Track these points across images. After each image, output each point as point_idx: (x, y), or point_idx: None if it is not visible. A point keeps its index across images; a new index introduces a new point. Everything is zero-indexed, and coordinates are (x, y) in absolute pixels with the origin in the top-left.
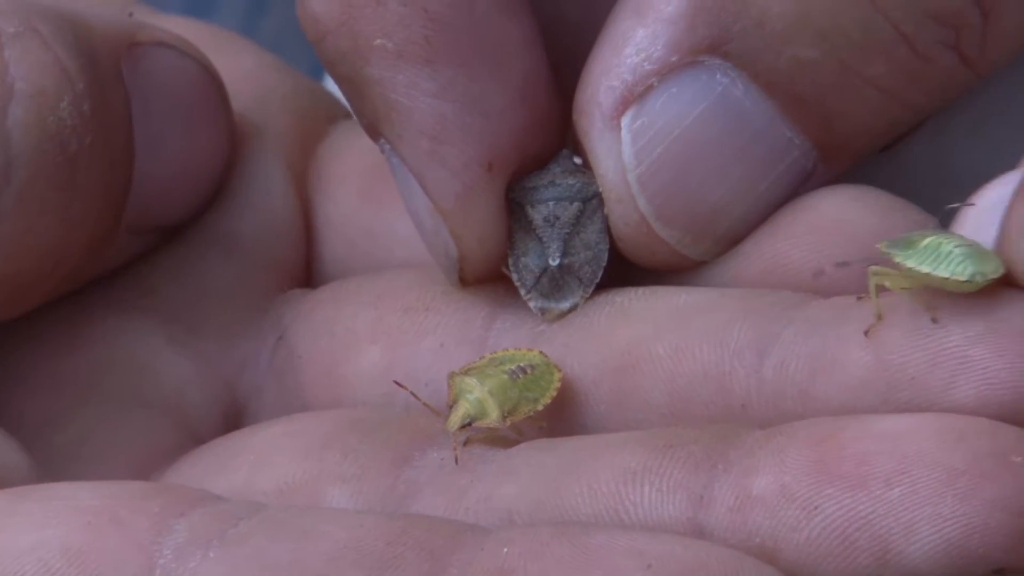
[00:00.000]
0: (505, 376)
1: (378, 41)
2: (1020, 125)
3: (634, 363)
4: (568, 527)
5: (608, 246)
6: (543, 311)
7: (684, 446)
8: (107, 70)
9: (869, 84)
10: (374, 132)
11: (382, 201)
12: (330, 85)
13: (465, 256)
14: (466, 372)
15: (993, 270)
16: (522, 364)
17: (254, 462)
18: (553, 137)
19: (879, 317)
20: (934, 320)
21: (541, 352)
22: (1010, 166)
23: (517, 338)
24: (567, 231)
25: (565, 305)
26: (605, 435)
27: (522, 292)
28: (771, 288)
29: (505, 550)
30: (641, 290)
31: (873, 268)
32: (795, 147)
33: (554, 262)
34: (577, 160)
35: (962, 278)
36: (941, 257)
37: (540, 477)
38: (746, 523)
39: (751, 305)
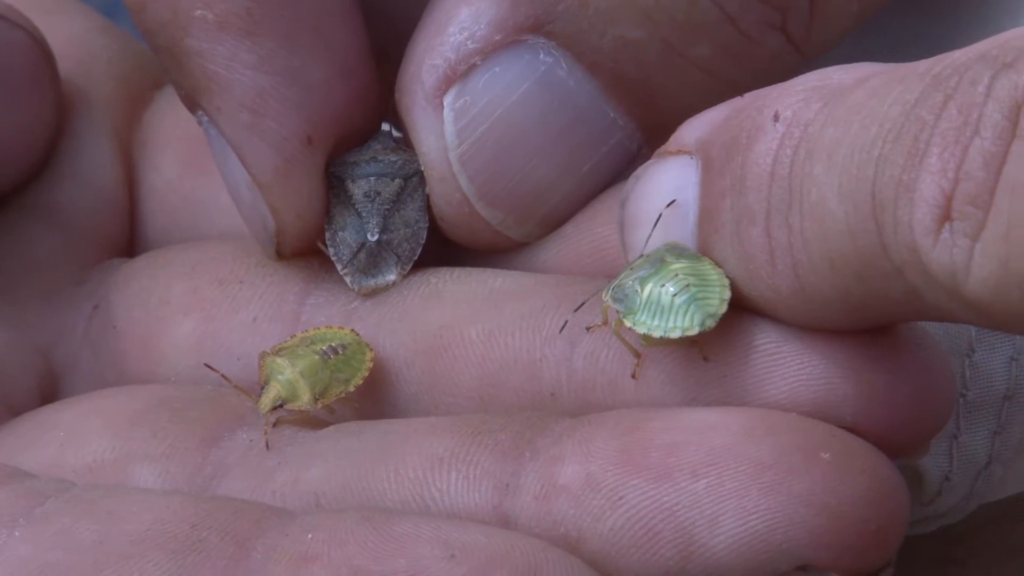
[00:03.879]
0: (316, 357)
1: (199, 12)
2: None
3: (446, 346)
4: (373, 513)
5: (427, 224)
6: (359, 286)
7: (492, 433)
8: None
9: (694, 65)
10: (192, 103)
11: (204, 169)
12: None
13: (283, 230)
14: (277, 352)
15: (718, 305)
16: (334, 344)
17: (64, 438)
18: (372, 114)
19: (638, 355)
20: (706, 359)
21: (353, 331)
22: None
23: (330, 314)
24: (387, 207)
25: (382, 281)
26: (414, 420)
27: (339, 267)
28: (589, 273)
29: (310, 536)
30: (456, 271)
31: (617, 328)
32: (619, 128)
33: (373, 237)
34: (397, 136)
35: (693, 332)
36: (666, 311)
37: (348, 461)
38: (551, 512)
39: (565, 292)
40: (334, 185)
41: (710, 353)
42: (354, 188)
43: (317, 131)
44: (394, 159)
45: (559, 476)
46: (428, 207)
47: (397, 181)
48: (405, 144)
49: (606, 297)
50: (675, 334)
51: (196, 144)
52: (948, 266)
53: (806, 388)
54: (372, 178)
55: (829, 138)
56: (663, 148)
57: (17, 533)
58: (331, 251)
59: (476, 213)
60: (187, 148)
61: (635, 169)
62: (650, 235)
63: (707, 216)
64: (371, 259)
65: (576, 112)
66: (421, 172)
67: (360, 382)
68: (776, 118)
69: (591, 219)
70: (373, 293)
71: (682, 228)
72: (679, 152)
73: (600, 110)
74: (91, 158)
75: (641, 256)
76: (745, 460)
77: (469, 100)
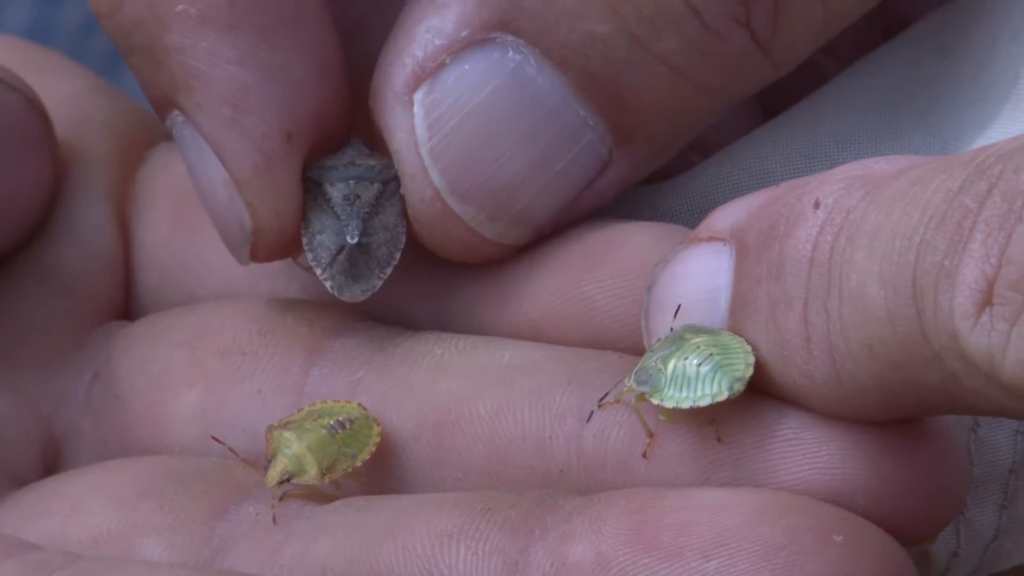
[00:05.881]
0: (324, 431)
1: (180, 7)
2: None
3: (454, 420)
4: None
5: (405, 231)
6: (341, 292)
7: (501, 510)
8: None
9: (661, 61)
10: (167, 104)
11: (193, 228)
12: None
13: (259, 228)
14: (284, 426)
15: (744, 369)
16: (341, 418)
17: (69, 509)
18: (345, 120)
19: (651, 435)
20: (719, 440)
21: (360, 405)
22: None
23: (335, 385)
24: (367, 211)
25: (366, 287)
26: (422, 495)
27: (318, 271)
28: (579, 333)
29: None
30: (461, 342)
31: (636, 405)
32: (589, 128)
33: (352, 240)
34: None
35: (723, 398)
36: (692, 382)
37: (355, 536)
38: None
39: (575, 370)
40: (311, 189)
41: (725, 435)
42: (332, 191)
43: (297, 128)
44: (372, 164)
45: (569, 554)
46: (405, 213)
47: (376, 185)
48: (377, 153)
49: (630, 382)
50: (704, 402)
51: (185, 202)
52: (985, 349)
53: (820, 476)
54: (351, 181)
55: (871, 224)
56: (694, 234)
57: None
58: (309, 255)
59: (448, 209)
60: (177, 206)
61: (607, 177)
62: (673, 322)
63: (740, 302)
64: (351, 262)
65: (546, 110)
66: (398, 178)
67: (367, 457)
68: (817, 205)
69: (577, 277)
70: (353, 299)
71: (713, 314)
72: (711, 239)
73: (570, 108)
74: (88, 219)
75: (658, 340)
76: (757, 541)
77: (439, 96)
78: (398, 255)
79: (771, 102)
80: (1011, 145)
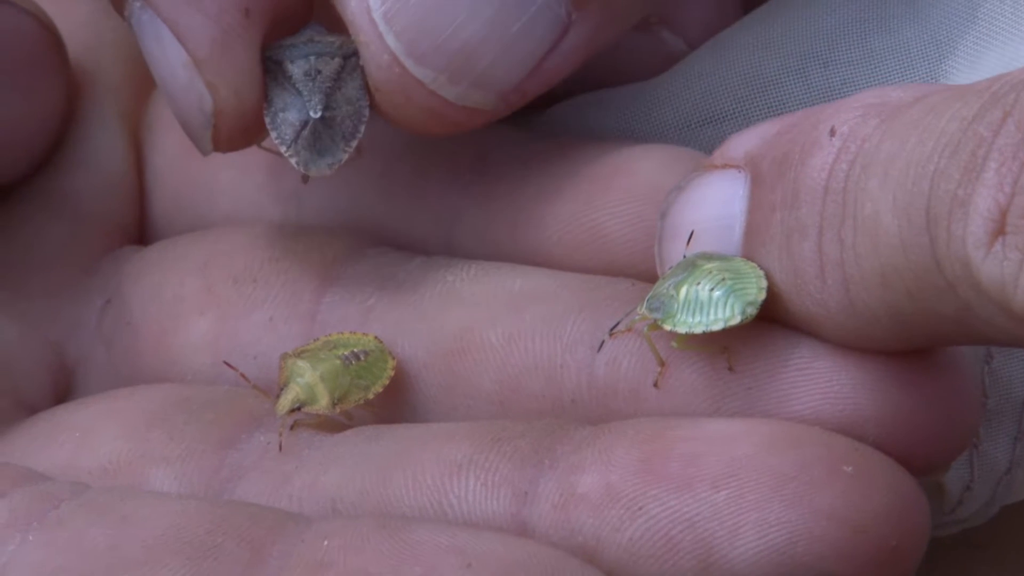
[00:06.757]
0: (338, 362)
1: None
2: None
3: (466, 348)
4: (390, 520)
5: (368, 103)
6: (307, 167)
7: (511, 440)
8: None
9: None
10: None
11: None
12: None
13: (221, 109)
14: (299, 355)
15: (756, 293)
16: (356, 350)
17: (79, 439)
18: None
19: (662, 364)
20: (731, 369)
21: (376, 338)
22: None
23: (346, 313)
24: (328, 85)
25: (331, 161)
26: (432, 425)
27: (283, 148)
28: (591, 261)
29: (325, 542)
30: (473, 269)
31: (648, 333)
32: None
33: (316, 114)
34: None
35: (736, 322)
36: (705, 307)
37: (366, 466)
38: (569, 521)
39: (587, 298)
40: (271, 69)
41: (737, 364)
42: (293, 68)
43: (254, 3)
44: (332, 39)
45: (578, 485)
46: (368, 87)
47: (337, 60)
48: (339, 34)
49: (642, 310)
50: (717, 327)
51: None
52: (998, 278)
53: (831, 405)
54: (312, 57)
55: (885, 152)
56: (708, 161)
57: (31, 537)
58: (273, 134)
59: (407, 73)
60: None
61: (568, 43)
62: (686, 249)
63: (754, 230)
64: (315, 137)
65: None
66: (359, 53)
67: (380, 390)
68: (832, 133)
69: (586, 204)
70: (319, 173)
71: (726, 242)
72: (726, 166)
73: None
74: (101, 144)
75: (671, 267)
76: (767, 472)
77: None
78: (363, 128)
79: None
80: None
